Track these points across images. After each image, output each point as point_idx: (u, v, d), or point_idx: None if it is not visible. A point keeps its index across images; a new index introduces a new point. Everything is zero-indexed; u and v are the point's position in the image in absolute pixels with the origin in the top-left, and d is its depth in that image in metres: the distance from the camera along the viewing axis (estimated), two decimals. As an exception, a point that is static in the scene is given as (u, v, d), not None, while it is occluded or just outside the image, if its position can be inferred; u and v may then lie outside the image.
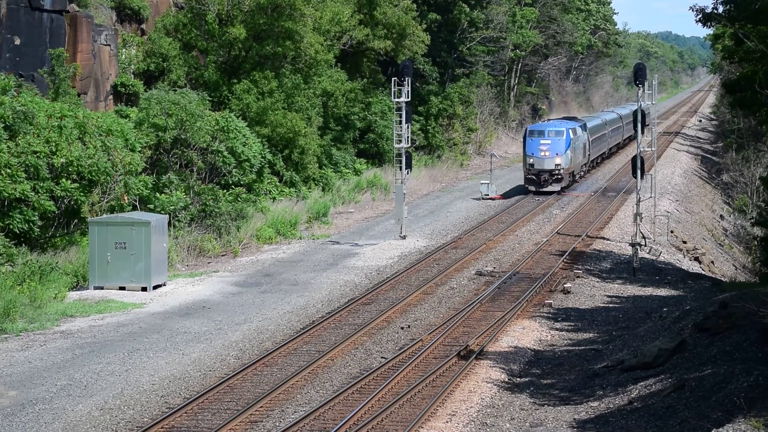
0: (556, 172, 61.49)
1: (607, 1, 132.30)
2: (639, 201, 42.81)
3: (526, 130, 64.95)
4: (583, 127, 68.59)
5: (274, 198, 51.95)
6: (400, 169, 47.08)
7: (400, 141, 46.83)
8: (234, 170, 46.16)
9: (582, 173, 70.09)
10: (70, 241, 38.16)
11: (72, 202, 37.18)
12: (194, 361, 26.82)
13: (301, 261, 41.45)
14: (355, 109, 65.74)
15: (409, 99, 47.25)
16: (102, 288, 34.84)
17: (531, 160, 61.89)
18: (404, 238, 46.55)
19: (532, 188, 62.22)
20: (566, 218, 52.99)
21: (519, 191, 64.13)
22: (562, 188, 62.00)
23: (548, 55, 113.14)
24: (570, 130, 62.78)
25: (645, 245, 43.83)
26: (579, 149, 65.47)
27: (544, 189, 61.62)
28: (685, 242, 51.84)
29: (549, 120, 72.97)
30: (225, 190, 45.37)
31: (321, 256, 42.49)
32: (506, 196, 62.50)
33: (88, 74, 46.54)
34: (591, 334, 30.87)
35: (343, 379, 25.71)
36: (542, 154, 61.25)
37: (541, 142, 61.48)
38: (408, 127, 47.47)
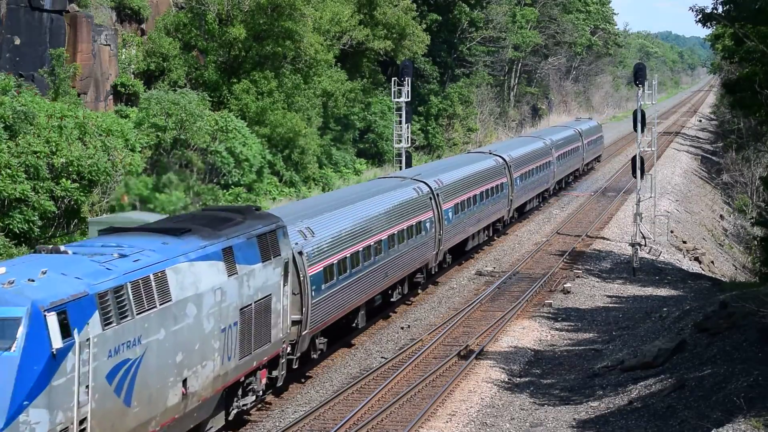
0: None
1: (607, 1, 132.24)
2: (639, 201, 42.80)
3: None
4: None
5: (274, 198, 51.92)
6: (400, 168, 47.06)
7: (400, 141, 46.84)
8: (234, 170, 46.15)
9: None
10: (70, 241, 38.13)
11: (72, 202, 37.15)
12: (194, 361, 26.74)
13: (301, 261, 41.37)
14: (355, 109, 65.74)
15: (409, 99, 47.28)
16: (102, 288, 34.73)
17: None
18: (404, 238, 46.05)
19: None
20: (566, 218, 52.96)
21: None
22: None
23: (548, 55, 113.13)
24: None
25: (645, 245, 43.81)
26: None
27: None
28: (685, 242, 51.83)
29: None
30: (225, 190, 45.36)
31: (321, 256, 42.41)
32: None
33: (88, 74, 46.52)
34: (591, 334, 30.85)
35: (343, 379, 25.69)
36: None
37: None
38: (408, 127, 47.50)
